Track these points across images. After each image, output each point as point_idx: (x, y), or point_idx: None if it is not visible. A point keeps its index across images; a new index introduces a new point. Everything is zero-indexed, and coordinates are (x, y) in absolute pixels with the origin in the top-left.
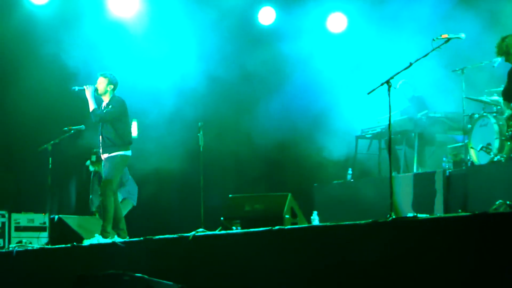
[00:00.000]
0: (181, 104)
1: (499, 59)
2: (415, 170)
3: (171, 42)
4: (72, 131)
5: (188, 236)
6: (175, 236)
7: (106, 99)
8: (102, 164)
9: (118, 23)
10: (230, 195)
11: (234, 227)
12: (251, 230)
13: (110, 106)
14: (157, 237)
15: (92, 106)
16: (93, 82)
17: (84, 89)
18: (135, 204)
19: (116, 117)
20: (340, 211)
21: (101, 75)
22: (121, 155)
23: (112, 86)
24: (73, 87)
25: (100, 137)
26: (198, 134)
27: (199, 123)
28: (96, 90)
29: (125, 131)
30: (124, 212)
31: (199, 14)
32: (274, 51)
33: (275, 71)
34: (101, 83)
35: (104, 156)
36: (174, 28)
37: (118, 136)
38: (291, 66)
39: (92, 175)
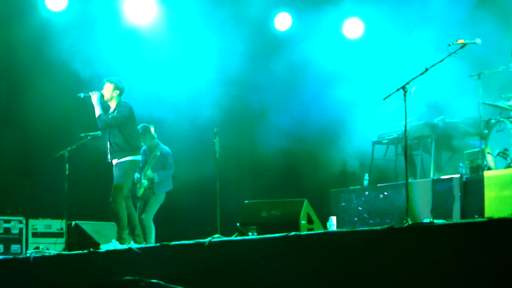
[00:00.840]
0: (198, 110)
1: None
2: (432, 176)
3: (187, 49)
4: (89, 137)
5: (204, 242)
6: (191, 242)
7: (112, 104)
8: (113, 170)
9: (134, 30)
10: (246, 201)
11: (250, 233)
12: (267, 236)
13: (116, 112)
14: (173, 243)
15: (98, 112)
16: (100, 88)
17: (89, 96)
18: None
19: (123, 123)
20: (357, 217)
21: (107, 80)
22: (130, 160)
23: (118, 92)
24: (79, 94)
25: (108, 143)
26: (214, 140)
27: (215, 129)
28: (102, 96)
29: (133, 136)
30: None
31: (216, 20)
32: (290, 57)
33: (292, 77)
34: (107, 89)
35: (113, 161)
36: (191, 35)
37: (126, 141)
38: (307, 72)
39: None
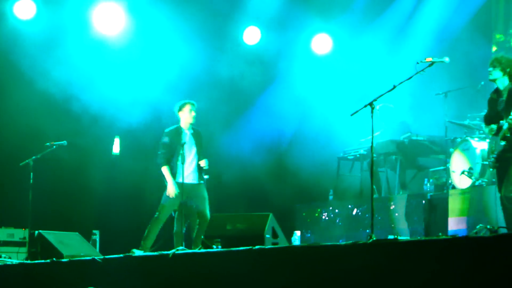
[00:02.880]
0: (163, 121)
1: (482, 82)
2: (396, 193)
3: (156, 60)
4: (54, 147)
5: (168, 254)
6: (155, 254)
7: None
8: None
9: (102, 40)
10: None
11: (214, 246)
12: (232, 249)
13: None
14: (137, 254)
15: None
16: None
17: None
18: None
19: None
20: (322, 232)
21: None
22: None
23: None
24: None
25: (196, 165)
26: (180, 152)
27: (182, 141)
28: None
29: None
30: None
31: (185, 31)
32: (258, 71)
33: (259, 91)
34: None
35: (200, 182)
36: (159, 46)
37: None
38: (275, 86)
39: None
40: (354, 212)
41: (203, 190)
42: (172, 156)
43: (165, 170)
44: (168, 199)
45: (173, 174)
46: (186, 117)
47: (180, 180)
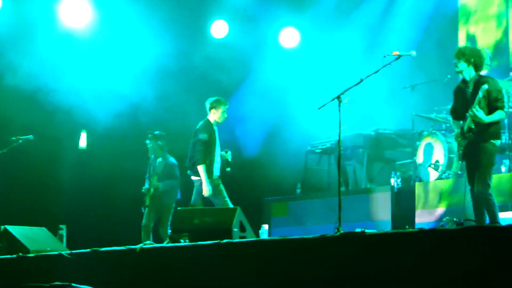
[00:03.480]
0: (133, 115)
1: (449, 76)
2: (363, 186)
3: (123, 52)
4: (20, 141)
5: (136, 249)
6: (122, 248)
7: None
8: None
9: (69, 32)
10: (179, 208)
11: (182, 240)
12: (199, 243)
13: None
14: (104, 248)
15: None
16: None
17: None
18: None
19: None
20: (290, 225)
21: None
22: None
23: None
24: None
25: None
26: (149, 146)
27: (149, 135)
28: None
29: None
30: None
31: (152, 23)
32: (226, 65)
33: (227, 85)
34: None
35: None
36: (127, 38)
37: None
38: (243, 80)
39: None
40: (321, 206)
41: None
42: (209, 154)
43: (202, 169)
44: (199, 198)
45: (211, 171)
46: (218, 116)
47: (216, 175)
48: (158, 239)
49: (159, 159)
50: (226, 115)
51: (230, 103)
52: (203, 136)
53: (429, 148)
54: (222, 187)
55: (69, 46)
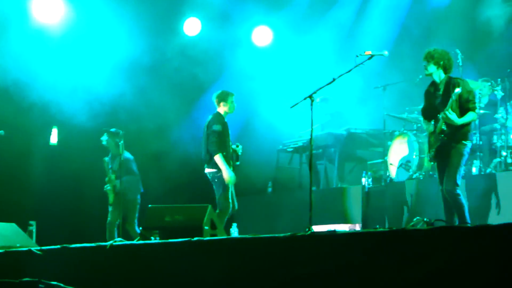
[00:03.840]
0: (104, 111)
1: (421, 76)
2: (334, 185)
3: (96, 49)
4: None
5: (106, 245)
6: (92, 244)
7: None
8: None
9: (42, 28)
10: (150, 205)
11: (152, 238)
12: (170, 241)
13: None
14: (74, 245)
15: None
16: None
17: None
18: None
19: None
20: (261, 224)
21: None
22: None
23: None
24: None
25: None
26: (120, 143)
27: (121, 132)
28: None
29: None
30: None
31: (125, 20)
32: (199, 63)
33: (199, 82)
34: None
35: None
36: (100, 35)
37: None
38: (215, 78)
39: None
40: (292, 204)
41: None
42: (224, 145)
43: (219, 158)
44: (227, 189)
45: (228, 163)
46: (228, 107)
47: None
48: (126, 235)
49: (117, 156)
50: (235, 105)
51: (203, 101)
52: (216, 127)
53: (400, 148)
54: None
55: (41, 42)
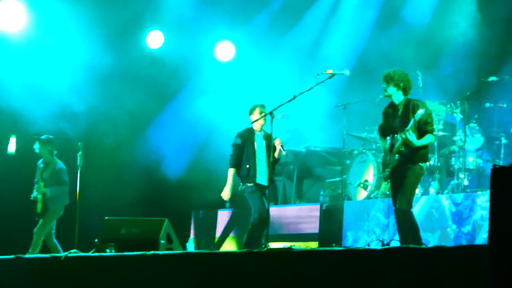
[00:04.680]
0: (63, 122)
1: (381, 96)
2: (292, 202)
3: (57, 58)
4: None
5: (61, 257)
6: (47, 256)
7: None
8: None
9: (3, 36)
10: (106, 217)
11: (108, 250)
12: (125, 254)
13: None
14: (28, 255)
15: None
16: None
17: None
18: None
19: None
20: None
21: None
22: None
23: None
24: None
25: (268, 170)
26: (78, 154)
27: (79, 143)
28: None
29: None
30: None
31: (88, 30)
32: (161, 76)
33: (160, 96)
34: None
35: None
36: (61, 45)
37: None
38: (176, 92)
39: None
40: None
41: (273, 187)
42: (247, 159)
43: (230, 172)
44: (251, 201)
45: (250, 176)
46: (256, 119)
47: (258, 181)
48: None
49: (49, 164)
50: (264, 117)
51: (164, 113)
52: (236, 140)
53: (358, 167)
54: (259, 194)
55: (1, 49)
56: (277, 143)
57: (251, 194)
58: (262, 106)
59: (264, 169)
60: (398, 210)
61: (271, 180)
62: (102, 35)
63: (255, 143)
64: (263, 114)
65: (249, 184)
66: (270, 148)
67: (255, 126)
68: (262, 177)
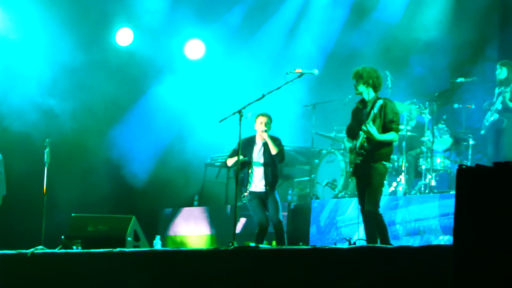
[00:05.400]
0: (31, 119)
1: (350, 96)
2: None
3: (26, 55)
4: None
5: (27, 253)
6: (13, 252)
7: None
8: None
9: None
10: (73, 214)
11: (74, 247)
12: (92, 251)
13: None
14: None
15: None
16: None
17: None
18: None
19: None
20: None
21: (265, 114)
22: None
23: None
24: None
25: (267, 174)
26: (45, 151)
27: (47, 139)
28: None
29: None
30: None
31: (56, 28)
32: (130, 73)
33: (129, 93)
34: (269, 123)
35: (268, 190)
36: (30, 42)
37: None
38: (146, 89)
39: None
40: (217, 218)
41: (273, 196)
42: (242, 167)
43: (228, 162)
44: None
45: (244, 185)
46: (257, 128)
47: (252, 188)
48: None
49: None
50: (264, 124)
51: (133, 111)
52: (236, 146)
53: (326, 167)
54: (256, 202)
55: None
56: (264, 136)
57: (249, 202)
58: (262, 115)
59: (261, 176)
60: (367, 211)
61: (268, 184)
62: (71, 33)
63: (253, 151)
64: (258, 120)
65: (245, 194)
66: (270, 155)
67: (257, 134)
68: (256, 185)
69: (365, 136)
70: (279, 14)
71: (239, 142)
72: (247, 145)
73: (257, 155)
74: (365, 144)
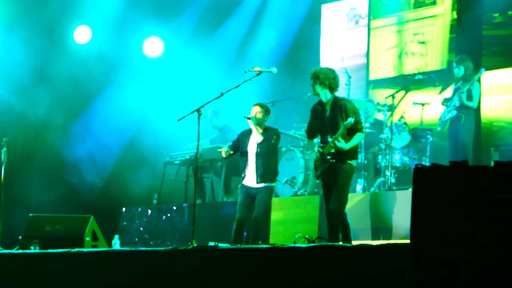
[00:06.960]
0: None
1: (309, 94)
2: (220, 199)
3: None
4: None
5: None
6: None
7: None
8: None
9: None
10: (31, 214)
11: (32, 247)
12: (49, 251)
13: (274, 137)
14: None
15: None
16: None
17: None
18: None
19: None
20: (138, 237)
21: (260, 104)
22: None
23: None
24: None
25: (258, 165)
26: (2, 150)
27: (4, 139)
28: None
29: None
30: None
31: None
32: (88, 71)
33: (87, 92)
34: (260, 113)
35: (259, 185)
36: None
37: (276, 167)
38: (104, 87)
39: None
40: (171, 218)
41: (263, 193)
42: (240, 160)
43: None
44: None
45: (241, 175)
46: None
47: (245, 182)
48: None
49: None
50: (261, 115)
51: (92, 109)
52: (236, 137)
53: (286, 164)
54: (242, 196)
55: None
56: (249, 123)
57: (238, 195)
58: (257, 105)
59: (254, 167)
60: (331, 209)
61: (259, 176)
62: (29, 29)
63: (248, 142)
64: (260, 113)
65: (238, 186)
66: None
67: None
68: (249, 178)
69: (332, 144)
70: (238, 11)
71: (238, 134)
72: (245, 136)
73: (251, 145)
74: (333, 151)
